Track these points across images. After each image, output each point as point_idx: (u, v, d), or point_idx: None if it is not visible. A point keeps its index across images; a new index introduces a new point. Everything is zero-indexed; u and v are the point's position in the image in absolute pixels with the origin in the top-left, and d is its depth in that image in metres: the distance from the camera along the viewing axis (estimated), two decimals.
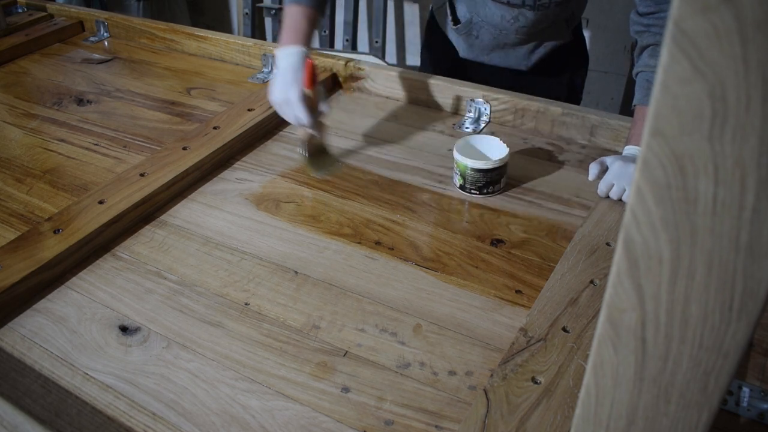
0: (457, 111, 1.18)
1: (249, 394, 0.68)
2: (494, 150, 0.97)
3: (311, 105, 0.96)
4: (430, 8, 1.35)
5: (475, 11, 1.14)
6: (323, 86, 0.99)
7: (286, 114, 0.97)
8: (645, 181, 0.27)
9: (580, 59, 1.30)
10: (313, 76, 0.95)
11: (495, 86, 1.17)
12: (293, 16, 0.99)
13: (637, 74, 0.98)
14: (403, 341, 0.73)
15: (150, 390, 0.68)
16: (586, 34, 2.22)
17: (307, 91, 0.95)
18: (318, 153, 1.03)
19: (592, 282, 0.78)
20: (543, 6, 1.06)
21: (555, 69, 1.25)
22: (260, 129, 1.13)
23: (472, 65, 1.30)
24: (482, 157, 0.96)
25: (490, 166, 0.93)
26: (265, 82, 1.30)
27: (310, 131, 0.98)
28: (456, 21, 1.17)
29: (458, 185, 0.97)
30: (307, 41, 0.98)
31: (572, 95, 1.32)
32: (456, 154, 0.95)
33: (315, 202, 0.97)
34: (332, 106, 1.23)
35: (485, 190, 0.96)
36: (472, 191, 0.96)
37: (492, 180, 0.95)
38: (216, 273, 0.84)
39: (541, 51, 1.19)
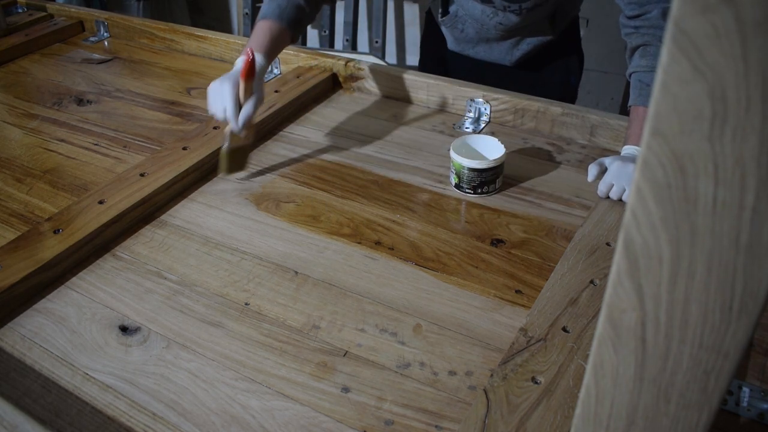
0: (457, 111, 1.18)
1: (249, 394, 0.68)
2: (491, 150, 0.97)
3: (242, 96, 0.95)
4: (429, 1, 1.37)
5: (460, 4, 1.15)
6: (262, 92, 0.98)
7: (215, 106, 0.96)
8: (645, 181, 0.27)
9: (573, 58, 1.30)
10: (250, 67, 0.93)
11: (481, 80, 1.17)
12: (257, 29, 1.01)
13: (630, 75, 0.99)
14: (403, 341, 0.73)
15: (150, 390, 0.68)
16: (586, 34, 2.22)
17: (242, 82, 0.94)
18: (234, 152, 1.00)
19: (592, 282, 0.78)
20: (514, 12, 1.07)
21: (543, 66, 1.25)
22: (260, 129, 1.12)
23: (459, 58, 1.32)
24: (479, 156, 0.97)
25: (485, 166, 0.93)
26: (265, 82, 1.30)
27: (233, 126, 0.96)
28: (445, 13, 1.19)
29: (454, 184, 0.97)
30: (261, 49, 0.98)
31: (567, 94, 1.32)
32: (452, 153, 0.95)
33: (315, 202, 0.97)
34: (332, 106, 1.23)
35: (480, 190, 0.96)
36: (467, 190, 0.96)
37: (487, 180, 0.95)
38: (216, 273, 0.84)
39: (524, 47, 1.20)
